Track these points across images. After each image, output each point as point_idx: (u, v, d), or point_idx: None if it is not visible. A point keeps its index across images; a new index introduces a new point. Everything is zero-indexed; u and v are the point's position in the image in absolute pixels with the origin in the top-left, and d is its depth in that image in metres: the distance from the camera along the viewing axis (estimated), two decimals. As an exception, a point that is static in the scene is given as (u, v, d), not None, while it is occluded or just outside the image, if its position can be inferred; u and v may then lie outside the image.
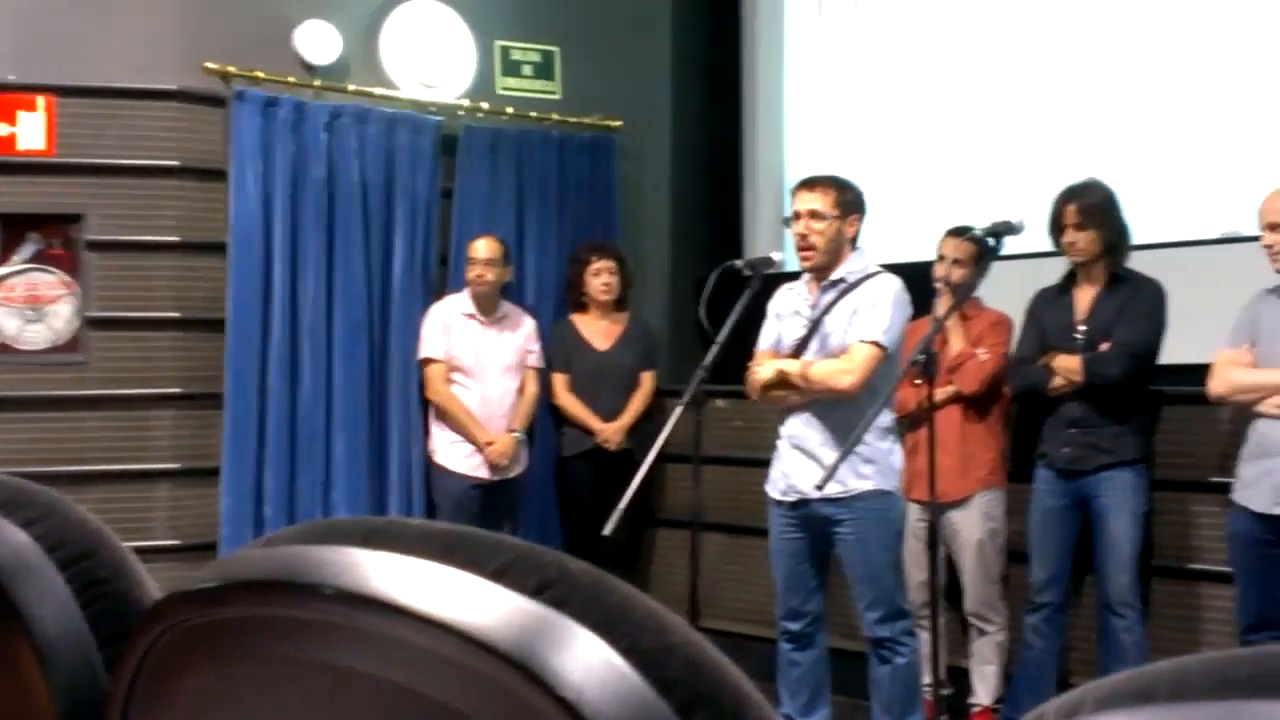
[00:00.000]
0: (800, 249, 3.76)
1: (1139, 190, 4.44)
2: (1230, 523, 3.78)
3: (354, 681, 0.61)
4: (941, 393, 4.12)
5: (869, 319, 3.66)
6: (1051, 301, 4.17)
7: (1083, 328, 4.05)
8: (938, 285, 4.26)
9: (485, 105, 5.46)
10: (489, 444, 5.03)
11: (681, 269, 6.10)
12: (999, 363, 4.30)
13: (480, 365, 5.10)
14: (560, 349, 5.34)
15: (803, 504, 3.72)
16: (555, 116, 5.65)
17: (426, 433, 5.17)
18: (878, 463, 3.66)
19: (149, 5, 4.88)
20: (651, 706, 0.54)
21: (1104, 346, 3.99)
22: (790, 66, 6.03)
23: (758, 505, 4.08)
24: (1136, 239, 4.13)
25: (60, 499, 0.85)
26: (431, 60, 5.40)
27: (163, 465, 4.85)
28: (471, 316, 5.13)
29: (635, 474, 3.47)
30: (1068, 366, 4.02)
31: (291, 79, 5.02)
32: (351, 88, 5.16)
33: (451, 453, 5.09)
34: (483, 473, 5.07)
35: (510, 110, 5.52)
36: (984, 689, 4.38)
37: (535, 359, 5.26)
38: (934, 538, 3.57)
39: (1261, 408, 3.62)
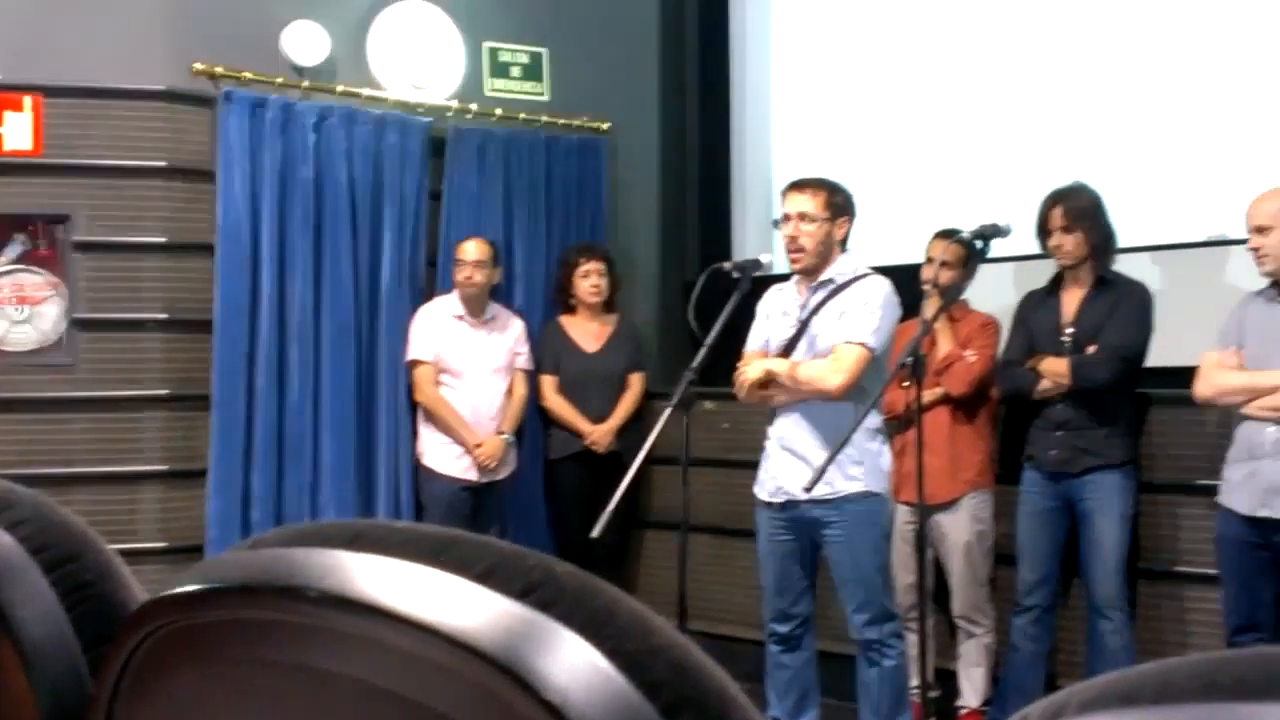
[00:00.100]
0: (790, 251, 3.76)
1: (1126, 193, 4.46)
2: (1217, 525, 3.79)
3: (339, 684, 0.61)
4: (929, 394, 4.13)
5: (857, 320, 3.66)
6: (1039, 304, 4.19)
7: (1070, 330, 4.06)
8: (926, 287, 4.27)
9: (474, 106, 5.46)
10: (477, 446, 5.03)
11: (670, 271, 6.10)
12: (987, 365, 4.32)
13: (469, 367, 5.10)
14: (549, 351, 5.34)
15: (791, 505, 3.72)
16: (544, 118, 5.65)
17: (415, 435, 5.17)
18: (866, 464, 3.66)
19: (136, 5, 4.86)
20: (637, 709, 0.54)
21: (1091, 349, 4.01)
22: (778, 69, 6.04)
23: (746, 507, 4.08)
24: (1123, 242, 4.15)
25: (45, 501, 0.84)
26: (420, 61, 5.40)
27: (150, 467, 4.84)
28: (460, 318, 5.12)
29: (624, 476, 3.47)
30: (1055, 369, 4.03)
31: (279, 80, 5.00)
32: (340, 89, 5.15)
33: (440, 455, 5.08)
34: (471, 475, 5.06)
35: (499, 112, 5.52)
36: (972, 691, 4.39)
37: (524, 361, 5.26)
38: (922, 540, 3.58)
39: (1248, 410, 3.64)
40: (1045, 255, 4.15)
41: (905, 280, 4.05)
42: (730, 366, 3.86)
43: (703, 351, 3.54)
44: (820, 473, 3.39)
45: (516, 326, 5.27)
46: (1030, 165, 4.94)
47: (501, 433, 5.11)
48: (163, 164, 4.85)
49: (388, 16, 5.34)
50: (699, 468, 4.37)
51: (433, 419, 5.10)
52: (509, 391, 5.19)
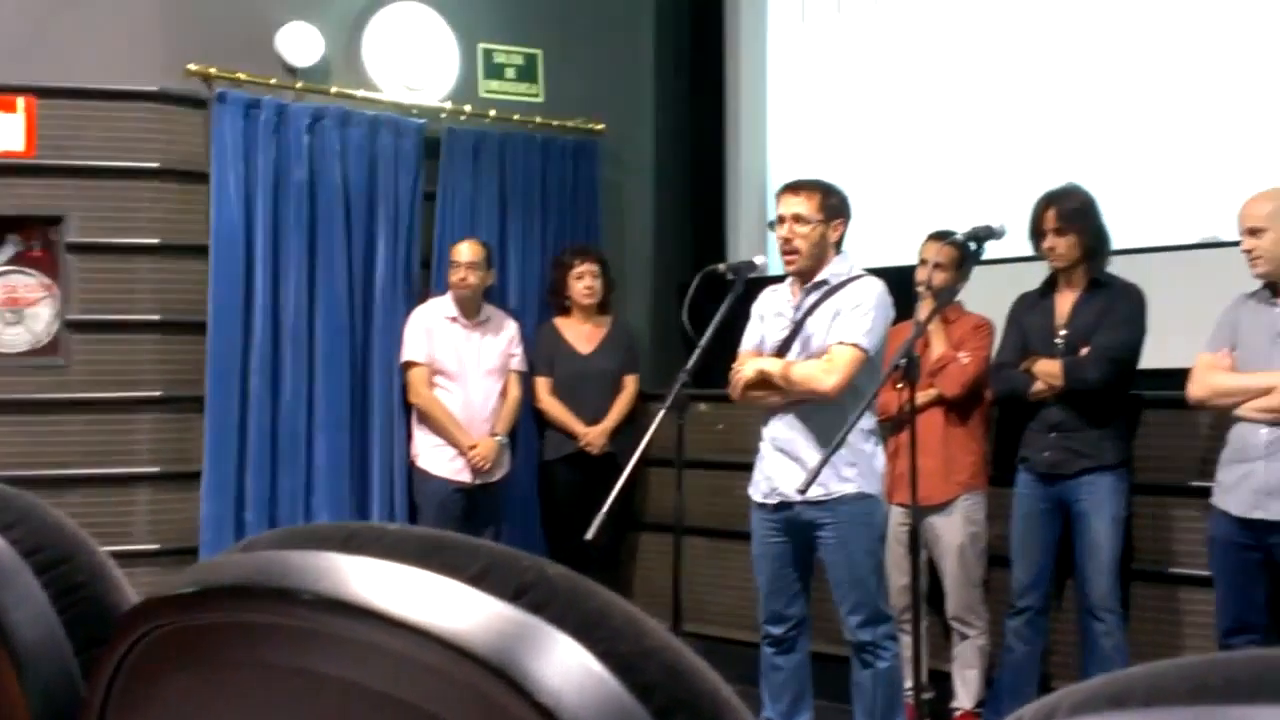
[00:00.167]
0: (784, 252, 3.77)
1: (1119, 195, 4.47)
2: (1210, 527, 3.79)
3: (332, 687, 0.61)
4: (923, 396, 4.14)
5: (851, 321, 3.66)
6: (1032, 306, 4.19)
7: (1063, 332, 4.07)
8: (919, 289, 4.28)
9: (468, 108, 5.46)
10: (471, 448, 5.03)
11: (664, 272, 6.11)
12: (980, 366, 4.32)
13: (463, 369, 5.10)
14: (543, 352, 5.34)
15: (785, 507, 3.72)
16: (538, 119, 5.65)
17: (409, 436, 5.16)
18: (860, 466, 3.66)
19: (130, 6, 4.86)
20: (629, 711, 0.54)
21: (1084, 351, 4.01)
22: (773, 71, 6.05)
23: (740, 509, 4.09)
24: (1116, 244, 4.16)
25: (37, 503, 0.84)
26: (414, 62, 5.39)
27: (143, 469, 4.83)
28: (454, 320, 5.12)
29: (618, 478, 3.47)
30: (1048, 371, 4.04)
31: (273, 81, 5.00)
32: (334, 90, 5.15)
33: (434, 456, 5.08)
34: (465, 476, 5.06)
35: (493, 113, 5.52)
36: (966, 693, 4.39)
37: (518, 362, 5.26)
38: (915, 541, 3.58)
39: (1240, 412, 3.64)
40: (1039, 257, 4.15)
41: (899, 282, 4.05)
42: (724, 368, 3.86)
43: (697, 353, 3.53)
44: (814, 474, 3.39)
45: (510, 328, 5.26)
46: (1024, 167, 4.95)
47: (495, 434, 5.11)
48: (156, 165, 4.85)
49: (382, 18, 5.34)
50: (693, 469, 4.37)
51: (427, 421, 5.09)
52: (503, 393, 5.19)
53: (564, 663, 0.54)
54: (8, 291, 4.74)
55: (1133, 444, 4.14)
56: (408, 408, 5.16)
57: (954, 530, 4.35)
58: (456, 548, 0.60)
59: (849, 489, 3.65)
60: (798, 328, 3.74)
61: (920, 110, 5.48)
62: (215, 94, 4.86)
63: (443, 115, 5.41)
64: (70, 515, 0.86)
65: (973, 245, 3.56)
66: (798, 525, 3.72)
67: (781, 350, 3.75)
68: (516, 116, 5.60)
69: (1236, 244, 3.74)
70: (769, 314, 3.86)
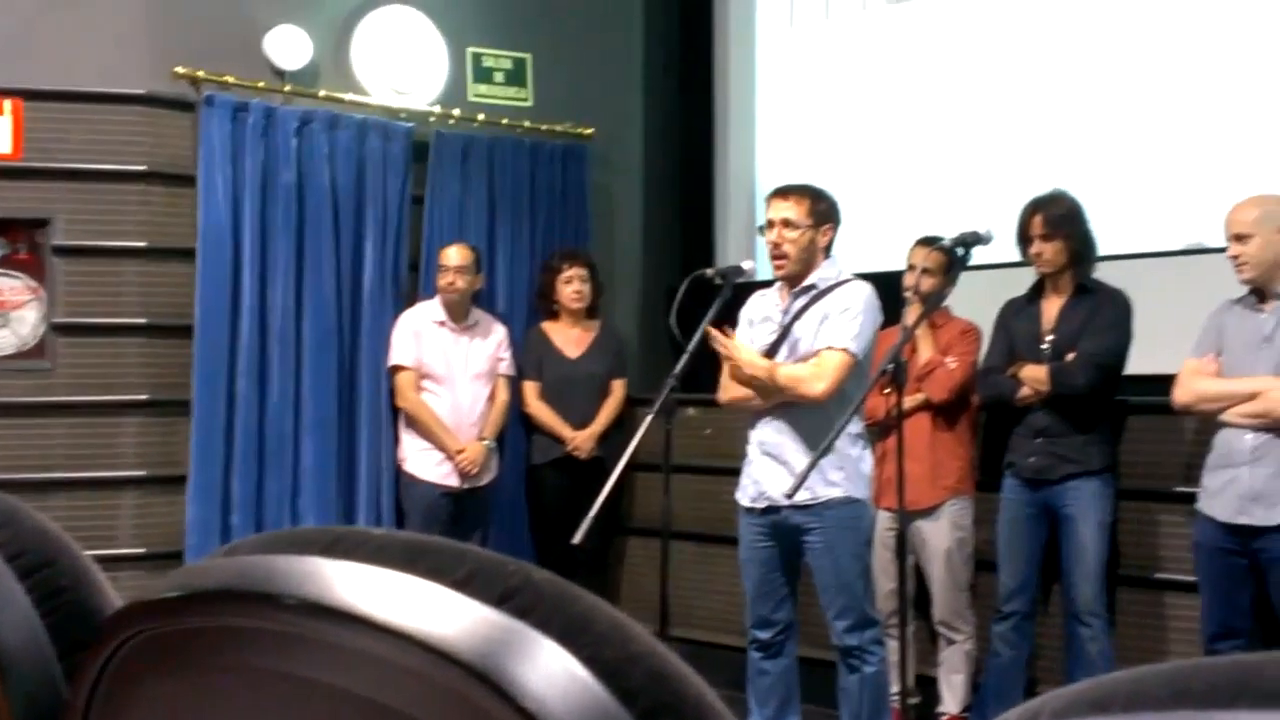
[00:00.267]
0: (773, 257, 3.77)
1: (1106, 201, 4.48)
2: (1195, 532, 3.80)
3: (316, 692, 0.61)
4: (910, 401, 4.15)
5: (839, 326, 3.67)
6: (1019, 312, 4.21)
7: (1050, 338, 4.08)
8: (907, 294, 4.29)
9: (457, 112, 5.46)
10: (459, 452, 5.02)
11: (653, 277, 6.11)
12: (967, 371, 4.33)
13: (451, 373, 5.09)
14: (531, 357, 5.34)
15: (772, 511, 3.72)
16: (527, 124, 5.65)
17: (396, 440, 5.15)
18: (847, 470, 3.67)
19: (118, 8, 4.84)
20: (614, 716, 0.54)
21: (1070, 357, 4.02)
22: (762, 76, 6.06)
23: (728, 514, 4.09)
24: (1103, 250, 4.17)
25: (20, 506, 0.84)
26: (403, 66, 5.39)
27: (129, 473, 4.81)
28: (442, 324, 5.11)
29: (605, 482, 3.46)
30: (1034, 376, 4.05)
31: (261, 84, 4.99)
32: (322, 93, 5.14)
33: (421, 461, 5.07)
34: (452, 481, 5.05)
35: (482, 117, 5.52)
36: (952, 697, 4.40)
37: (506, 367, 5.25)
38: (903, 546, 3.59)
39: (1226, 417, 3.65)
40: (1026, 263, 4.17)
41: (887, 287, 4.06)
42: (712, 373, 3.86)
43: (685, 358, 3.54)
44: (802, 479, 3.39)
45: (499, 332, 5.26)
46: (1011, 173, 4.96)
47: (483, 439, 5.11)
48: (143, 168, 4.83)
49: (371, 21, 5.34)
50: (680, 474, 4.37)
51: (414, 425, 5.09)
52: (491, 397, 5.18)
53: (548, 668, 0.54)
54: (-7, 294, 4.72)
55: (1119, 449, 4.15)
56: (395, 411, 5.15)
57: (941, 535, 4.36)
58: (441, 552, 0.60)
59: (836, 493, 3.65)
60: (785, 332, 3.75)
61: (908, 116, 5.49)
62: (203, 97, 4.85)
63: (431, 119, 5.41)
64: (55, 519, 0.85)
65: (960, 251, 3.57)
66: (785, 530, 3.73)
67: (769, 354, 3.75)
68: (505, 120, 5.60)
69: (1222, 250, 3.75)
70: (757, 318, 3.86)
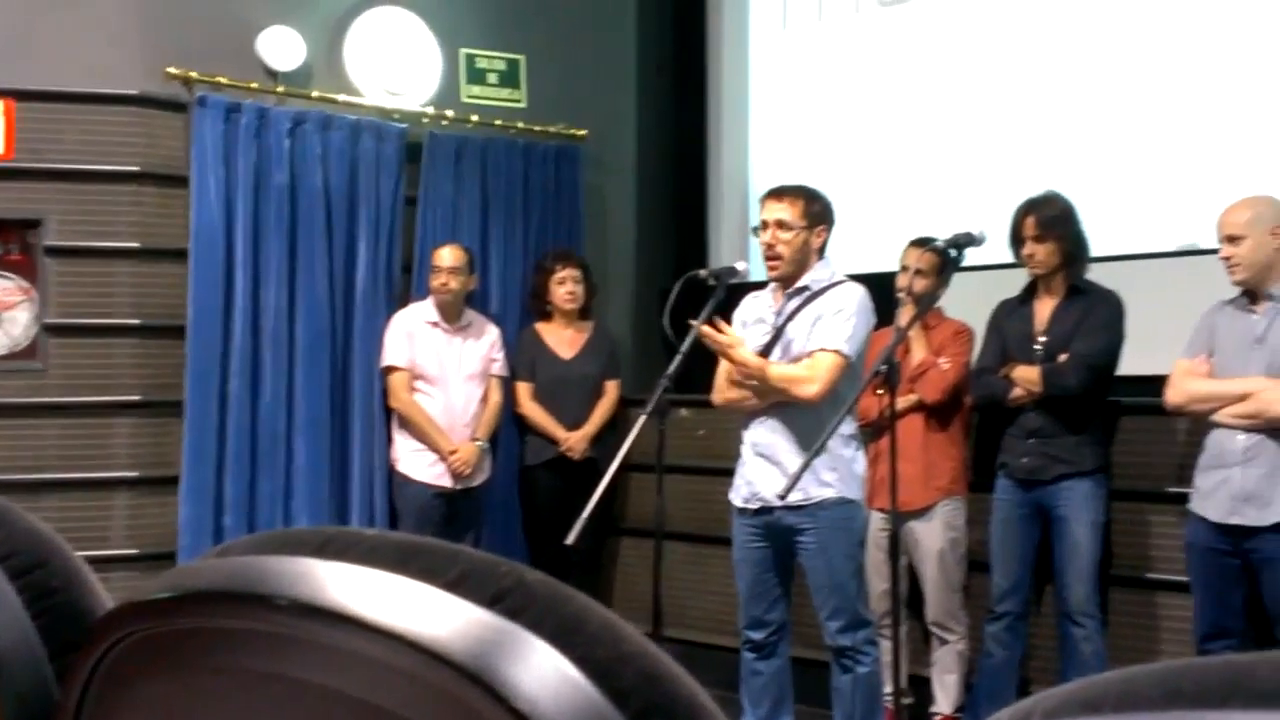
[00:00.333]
0: (767, 258, 3.77)
1: (1098, 203, 4.49)
2: (1187, 532, 3.81)
3: (308, 693, 0.61)
4: (903, 401, 4.15)
5: (832, 328, 3.67)
6: (1012, 313, 4.21)
7: (1042, 339, 4.09)
8: (900, 295, 4.29)
9: (450, 113, 5.45)
10: (452, 453, 5.02)
11: (646, 278, 6.11)
12: (961, 372, 4.34)
13: (444, 373, 5.09)
14: (524, 357, 5.33)
15: (765, 512, 3.72)
16: (520, 125, 5.65)
17: (389, 441, 5.15)
18: (840, 471, 3.67)
19: (110, 9, 4.83)
20: (605, 717, 0.54)
21: (1063, 357, 4.03)
22: (755, 77, 6.06)
23: (721, 514, 4.09)
24: (1095, 251, 4.18)
25: (11, 507, 0.84)
26: (396, 67, 5.39)
27: (121, 473, 4.80)
28: (435, 324, 5.11)
29: (599, 483, 3.46)
30: (1027, 377, 4.06)
31: (254, 85, 4.99)
32: (315, 94, 5.14)
33: (414, 461, 5.07)
34: (445, 481, 5.05)
35: (475, 118, 5.51)
36: (945, 698, 4.40)
37: (499, 367, 5.25)
38: (895, 547, 3.59)
39: (1218, 417, 3.66)
40: (1019, 264, 4.17)
41: (880, 288, 4.06)
42: (705, 374, 3.86)
43: (678, 359, 3.54)
44: (795, 479, 3.40)
45: (492, 333, 5.26)
46: (1004, 174, 4.97)
47: (476, 439, 5.10)
48: (135, 169, 4.82)
49: (364, 22, 5.33)
50: (674, 474, 4.37)
51: (407, 425, 5.08)
52: (484, 398, 5.18)
53: (540, 668, 0.54)
54: (-15, 295, 4.71)
55: (1111, 450, 4.16)
56: (388, 412, 5.14)
57: (934, 535, 4.36)
58: (433, 553, 0.60)
59: (829, 494, 3.65)
60: (779, 333, 3.75)
61: (901, 117, 5.50)
62: (196, 97, 4.84)
63: (425, 120, 5.40)
64: (47, 520, 0.85)
65: (953, 252, 3.58)
66: (778, 530, 3.73)
67: (762, 356, 3.75)
68: (499, 121, 5.59)
69: (1215, 251, 3.76)
70: (750, 320, 3.86)
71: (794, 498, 3.52)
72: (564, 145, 5.76)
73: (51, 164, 4.72)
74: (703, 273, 3.85)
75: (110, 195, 4.79)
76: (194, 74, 4.84)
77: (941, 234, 3.69)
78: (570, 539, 3.30)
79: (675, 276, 3.89)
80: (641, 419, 3.50)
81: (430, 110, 5.43)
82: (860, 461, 3.76)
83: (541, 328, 5.40)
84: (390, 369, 5.08)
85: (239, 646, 0.63)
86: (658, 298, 5.63)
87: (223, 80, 4.89)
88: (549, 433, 5.26)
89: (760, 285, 3.96)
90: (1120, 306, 4.05)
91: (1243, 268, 3.65)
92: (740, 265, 3.86)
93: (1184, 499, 3.84)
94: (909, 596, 4.37)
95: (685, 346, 3.55)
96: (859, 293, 3.73)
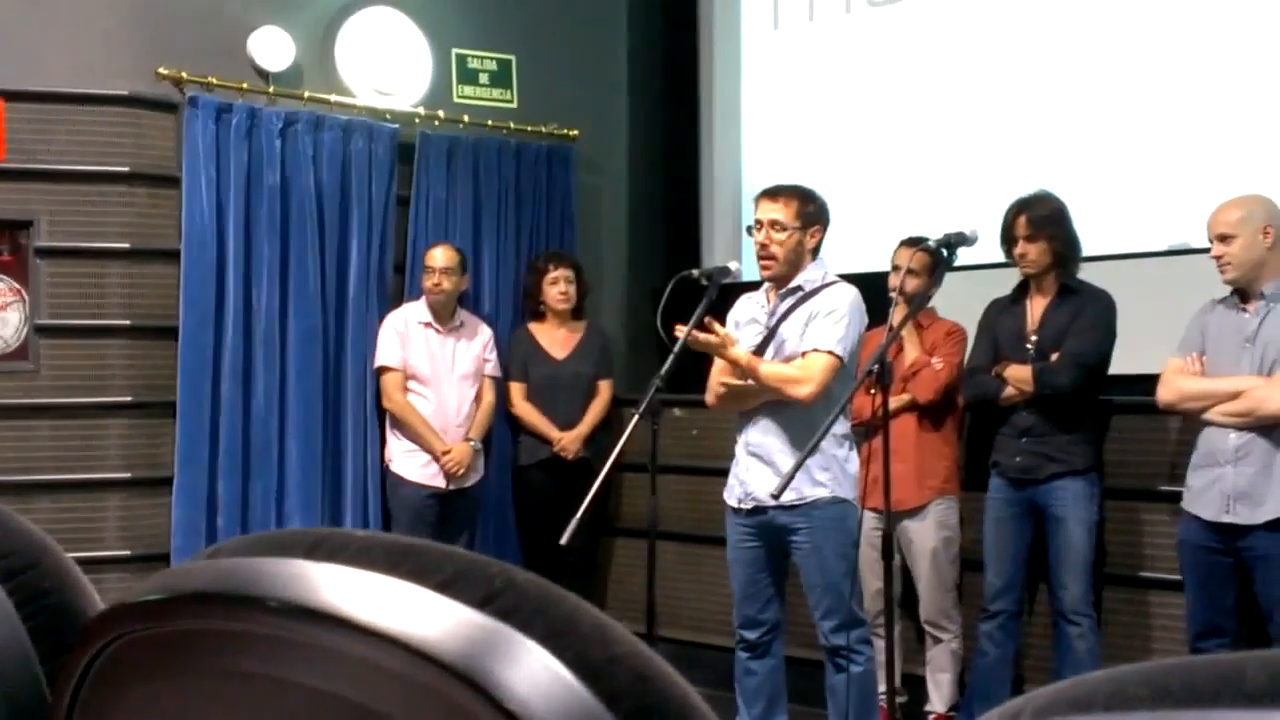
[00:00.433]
0: (760, 258, 3.77)
1: (1090, 202, 4.50)
2: (1180, 531, 3.82)
3: (299, 694, 0.61)
4: (896, 401, 4.15)
5: (825, 328, 3.67)
6: (1004, 312, 4.22)
7: (1034, 338, 4.10)
8: (892, 295, 4.29)
9: (441, 113, 5.45)
10: (445, 453, 5.01)
11: (638, 278, 6.11)
12: (953, 372, 4.34)
13: (437, 374, 5.08)
14: (517, 358, 5.33)
15: (759, 511, 3.73)
16: (512, 125, 5.64)
17: (382, 441, 5.15)
18: (833, 470, 3.68)
19: (101, 9, 4.82)
20: (597, 718, 0.54)
21: (1055, 357, 4.04)
22: (747, 77, 6.06)
23: (715, 514, 4.09)
24: (1087, 250, 4.18)
25: (2, 509, 0.83)
26: (387, 67, 5.38)
27: (114, 475, 4.79)
28: (428, 325, 5.11)
29: (592, 483, 3.46)
30: (1019, 376, 4.06)
31: (245, 85, 4.98)
32: (306, 94, 5.13)
33: (407, 462, 5.06)
34: (439, 482, 5.04)
35: (467, 118, 5.51)
36: (939, 696, 4.41)
37: (492, 368, 5.25)
38: (889, 546, 3.59)
39: (1209, 416, 3.67)
40: (1010, 263, 4.18)
41: (872, 288, 4.07)
42: (698, 374, 3.86)
43: (671, 358, 3.54)
44: (788, 479, 3.40)
45: (484, 333, 5.26)
46: (995, 174, 4.98)
47: (469, 440, 5.10)
48: (126, 169, 4.81)
49: (355, 22, 5.33)
50: (667, 474, 4.37)
51: (400, 426, 5.08)
52: (477, 398, 5.18)
53: (531, 669, 0.54)
54: (-24, 296, 4.70)
55: (1103, 448, 4.17)
56: (381, 413, 5.14)
57: (927, 535, 4.37)
58: (424, 554, 0.60)
59: (823, 494, 3.66)
60: (771, 334, 3.75)
61: (893, 117, 5.50)
62: (187, 98, 4.83)
63: (416, 120, 5.40)
64: (39, 521, 0.85)
65: (945, 251, 3.58)
66: (772, 530, 3.73)
67: (756, 355, 3.76)
68: (490, 122, 5.59)
69: (1206, 250, 3.77)
70: (744, 320, 3.87)
71: (788, 497, 3.52)
72: (556, 145, 5.75)
73: (42, 164, 4.71)
74: (695, 273, 3.84)
75: (101, 196, 4.78)
76: (185, 74, 4.83)
77: (933, 233, 3.69)
78: (564, 539, 3.30)
79: (668, 276, 3.89)
80: (635, 419, 3.50)
81: (422, 111, 5.42)
82: (853, 461, 3.76)
83: (534, 328, 5.40)
84: (383, 369, 5.08)
85: (231, 648, 0.63)
86: (650, 298, 5.64)
87: (214, 80, 4.88)
88: (542, 433, 5.26)
89: (753, 285, 3.96)
90: (1112, 305, 4.06)
91: (1234, 267, 3.66)
92: (733, 265, 3.86)
93: (1176, 497, 3.84)
94: (903, 596, 4.38)
95: (678, 347, 3.55)
96: (852, 293, 3.73)
